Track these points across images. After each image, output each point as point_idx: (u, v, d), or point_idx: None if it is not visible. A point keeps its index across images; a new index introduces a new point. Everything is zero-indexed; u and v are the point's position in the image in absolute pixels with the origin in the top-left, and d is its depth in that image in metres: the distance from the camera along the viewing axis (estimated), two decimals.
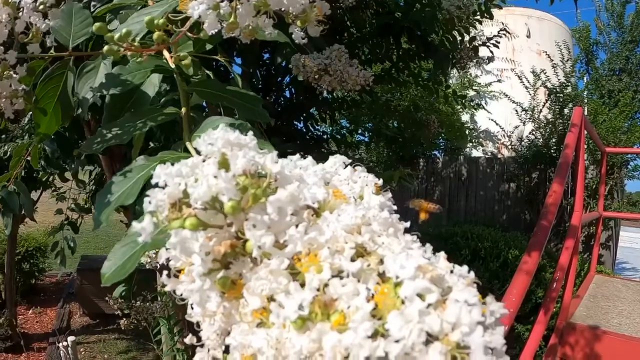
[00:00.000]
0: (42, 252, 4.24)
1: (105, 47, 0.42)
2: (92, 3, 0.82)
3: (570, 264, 2.16)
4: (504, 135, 5.31)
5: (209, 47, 0.58)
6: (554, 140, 4.66)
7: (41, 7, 0.60)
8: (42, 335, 3.55)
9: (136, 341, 3.43)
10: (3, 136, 2.26)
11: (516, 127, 5.20)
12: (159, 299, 1.92)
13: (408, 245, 0.22)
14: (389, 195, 0.29)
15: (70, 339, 2.90)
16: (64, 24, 0.66)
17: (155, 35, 0.41)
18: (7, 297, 3.31)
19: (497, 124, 5.34)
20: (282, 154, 0.30)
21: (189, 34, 0.41)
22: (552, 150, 4.65)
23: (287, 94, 2.31)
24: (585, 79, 5.69)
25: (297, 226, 0.22)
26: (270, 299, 0.21)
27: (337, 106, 2.47)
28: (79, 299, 3.98)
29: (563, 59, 5.22)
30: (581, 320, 2.14)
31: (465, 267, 0.23)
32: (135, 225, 0.24)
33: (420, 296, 0.20)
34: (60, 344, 2.95)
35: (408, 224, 0.25)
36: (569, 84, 4.91)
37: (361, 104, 2.58)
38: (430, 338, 0.19)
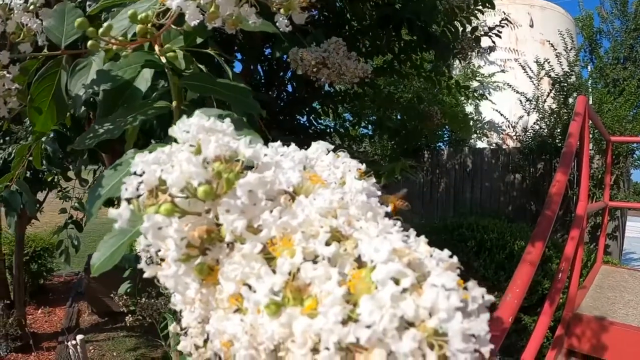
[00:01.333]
0: (50, 252, 4.27)
1: (89, 43, 0.41)
2: (88, 3, 0.82)
3: (576, 255, 2.14)
4: (508, 126, 5.27)
5: (199, 40, 0.58)
6: (558, 130, 4.63)
7: (32, 7, 0.61)
8: (52, 335, 3.58)
9: (145, 338, 3.46)
10: (7, 138, 2.28)
11: (520, 117, 5.16)
12: (164, 294, 1.93)
13: (387, 229, 0.22)
14: (373, 180, 0.28)
15: (79, 337, 2.92)
16: (56, 24, 0.66)
17: (138, 28, 0.41)
18: (16, 298, 3.34)
19: (501, 115, 5.31)
20: None
21: (174, 27, 0.41)
22: (557, 141, 4.61)
23: (290, 88, 2.30)
24: (589, 67, 5.64)
25: (272, 211, 0.22)
26: (245, 284, 0.21)
27: (339, 99, 2.47)
28: (87, 297, 4.01)
29: (566, 48, 5.17)
30: (587, 311, 2.13)
31: (446, 252, 0.22)
32: (112, 211, 0.24)
33: (396, 281, 0.19)
34: (69, 343, 2.98)
35: (389, 208, 0.25)
36: (573, 73, 4.87)
37: (363, 96, 2.57)
38: (407, 324, 0.18)
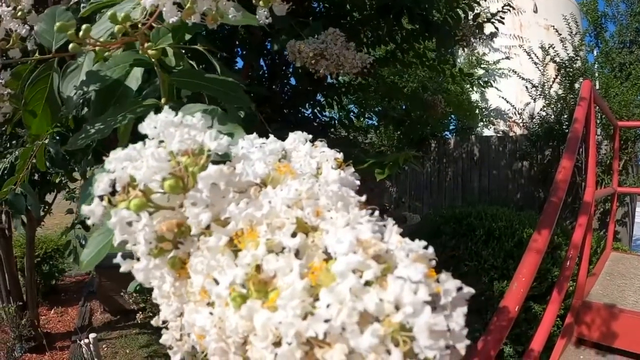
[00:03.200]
0: (61, 253, 4.31)
1: (70, 46, 0.42)
2: (82, 5, 0.82)
3: (584, 242, 2.12)
4: (515, 113, 5.22)
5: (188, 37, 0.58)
6: (565, 116, 4.57)
7: (20, 13, 0.61)
8: (65, 334, 3.63)
9: (157, 335, 3.45)
10: (14, 142, 2.30)
11: (527, 104, 5.11)
12: None
13: (357, 219, 0.21)
14: (351, 170, 0.28)
15: (92, 336, 2.96)
16: (46, 27, 0.66)
17: (116, 28, 0.41)
18: (28, 299, 3.38)
19: (507, 102, 5.26)
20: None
21: (154, 24, 0.41)
22: (564, 127, 4.55)
23: (293, 81, 2.30)
24: (595, 52, 5.55)
25: (239, 203, 0.22)
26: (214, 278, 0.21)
27: (343, 91, 2.46)
28: (99, 296, 4.06)
29: (571, 32, 5.09)
30: (597, 298, 2.11)
31: (417, 243, 0.21)
32: (84, 208, 0.24)
33: (359, 273, 0.18)
34: (82, 342, 3.02)
35: (364, 198, 0.24)
36: (579, 58, 4.80)
37: (367, 87, 2.56)
38: (372, 319, 0.18)
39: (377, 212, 0.25)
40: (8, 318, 3.24)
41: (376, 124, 4.05)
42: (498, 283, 3.04)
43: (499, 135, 5.56)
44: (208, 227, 0.23)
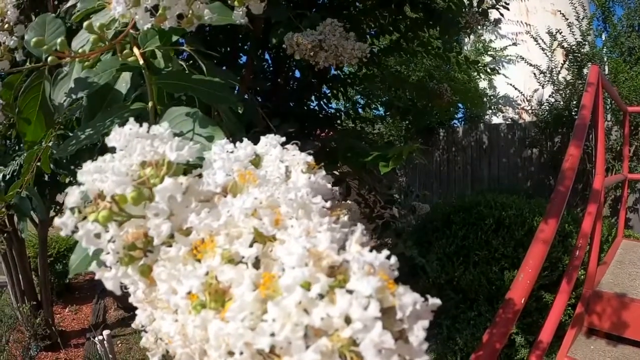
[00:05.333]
0: None
1: (50, 58, 0.42)
2: (76, 9, 0.83)
3: (594, 230, 2.09)
4: (523, 100, 5.16)
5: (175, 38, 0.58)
6: (574, 102, 4.50)
7: (6, 26, 0.62)
8: (80, 332, 3.68)
9: None
10: (21, 144, 2.32)
11: (535, 90, 5.04)
12: None
13: (316, 227, 0.21)
14: (322, 173, 0.28)
15: (106, 332, 3.00)
16: (36, 36, 0.66)
17: (91, 38, 0.41)
18: (42, 298, 3.43)
19: (515, 89, 5.19)
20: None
21: (132, 31, 0.41)
22: (573, 113, 4.49)
23: (298, 74, 2.29)
24: (603, 36, 5.44)
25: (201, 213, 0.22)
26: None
27: (349, 82, 2.45)
28: (112, 293, 4.10)
29: (578, 17, 5.01)
30: (608, 287, 2.08)
31: (375, 254, 0.20)
32: (57, 220, 0.25)
33: (308, 286, 0.18)
34: (97, 339, 3.06)
35: (328, 204, 0.24)
36: (586, 42, 4.71)
37: (373, 77, 2.55)
38: (323, 333, 0.17)
39: (345, 218, 0.25)
40: (23, 317, 3.29)
41: (383, 114, 4.03)
42: (509, 272, 3.02)
43: (507, 122, 5.49)
44: (174, 236, 0.23)
